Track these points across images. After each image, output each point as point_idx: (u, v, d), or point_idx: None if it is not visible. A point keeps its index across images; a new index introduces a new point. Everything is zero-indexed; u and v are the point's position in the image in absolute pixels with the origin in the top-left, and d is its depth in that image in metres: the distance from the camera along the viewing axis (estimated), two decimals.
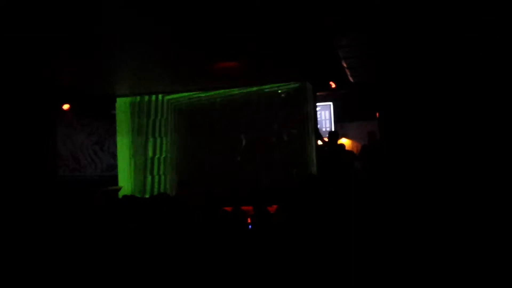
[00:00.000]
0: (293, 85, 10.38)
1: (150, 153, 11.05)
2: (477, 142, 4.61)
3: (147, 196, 10.63)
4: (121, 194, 9.52)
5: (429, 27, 4.91)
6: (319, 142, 10.45)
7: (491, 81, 4.64)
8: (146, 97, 11.03)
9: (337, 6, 5.07)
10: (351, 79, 9.25)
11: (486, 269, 3.28)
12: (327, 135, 10.13)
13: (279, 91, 10.53)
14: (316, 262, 3.68)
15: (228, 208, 6.05)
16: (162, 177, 11.02)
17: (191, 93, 10.87)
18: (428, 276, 3.25)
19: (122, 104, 11.15)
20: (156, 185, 10.99)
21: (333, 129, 12.02)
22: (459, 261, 3.37)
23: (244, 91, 10.63)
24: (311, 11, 5.54)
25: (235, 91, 10.69)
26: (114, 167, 11.34)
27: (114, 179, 10.98)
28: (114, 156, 11.40)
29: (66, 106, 10.17)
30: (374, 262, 3.36)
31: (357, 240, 3.73)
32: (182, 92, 10.82)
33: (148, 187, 11.01)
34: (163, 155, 11.04)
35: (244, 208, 6.05)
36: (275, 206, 6.72)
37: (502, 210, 4.08)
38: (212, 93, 10.77)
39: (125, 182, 10.92)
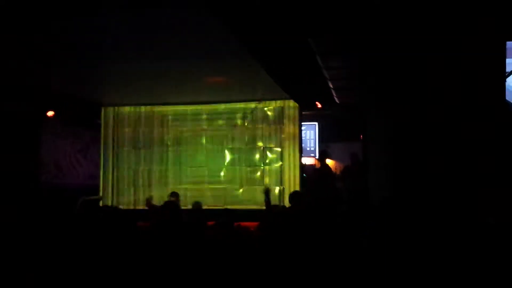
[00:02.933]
0: (279, 103, 10.50)
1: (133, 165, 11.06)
2: (477, 143, 4.69)
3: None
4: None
5: (430, 28, 4.98)
6: (303, 161, 10.56)
7: (491, 83, 4.73)
8: (132, 108, 11.05)
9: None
10: (337, 100, 9.37)
11: (486, 269, 3.32)
12: (318, 154, 10.22)
13: (265, 108, 10.63)
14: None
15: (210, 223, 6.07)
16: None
17: (178, 106, 10.92)
18: (428, 276, 3.27)
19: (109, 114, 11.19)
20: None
21: (317, 149, 12.13)
22: (459, 261, 3.40)
23: (230, 106, 10.74)
24: (299, 32, 5.64)
25: (221, 106, 10.78)
26: (96, 176, 11.25)
27: (96, 188, 10.91)
28: (97, 165, 11.31)
29: (51, 113, 10.07)
30: (373, 267, 3.36)
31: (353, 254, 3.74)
32: (170, 104, 10.86)
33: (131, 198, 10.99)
34: (147, 167, 11.01)
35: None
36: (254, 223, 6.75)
37: (502, 210, 4.15)
38: (199, 107, 10.84)
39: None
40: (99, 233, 4.97)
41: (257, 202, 10.04)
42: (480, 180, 4.74)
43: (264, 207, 8.02)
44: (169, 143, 11.00)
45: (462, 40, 4.97)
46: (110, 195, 10.94)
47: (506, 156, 4.65)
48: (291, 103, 10.34)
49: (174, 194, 8.59)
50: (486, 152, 4.78)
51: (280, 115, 10.55)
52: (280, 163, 10.50)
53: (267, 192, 7.98)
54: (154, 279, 4.25)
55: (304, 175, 10.32)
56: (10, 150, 8.82)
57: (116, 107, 11.09)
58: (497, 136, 4.72)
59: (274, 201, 9.84)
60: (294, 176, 10.26)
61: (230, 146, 10.76)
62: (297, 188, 9.87)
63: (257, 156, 10.64)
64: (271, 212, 7.26)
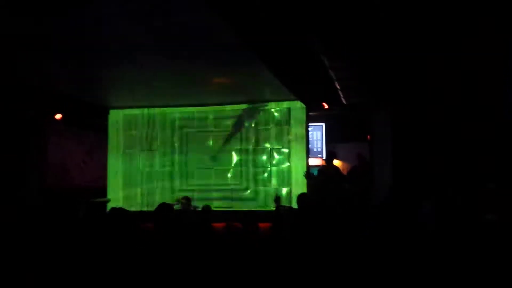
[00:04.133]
0: (286, 104, 10.50)
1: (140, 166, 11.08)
2: (477, 143, 4.64)
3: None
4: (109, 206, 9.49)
5: (430, 28, 4.93)
6: (310, 162, 10.52)
7: (491, 83, 4.68)
8: (138, 110, 11.08)
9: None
10: (343, 100, 9.32)
11: (486, 269, 3.28)
12: (325, 155, 10.16)
13: (272, 110, 10.63)
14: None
15: (219, 225, 6.07)
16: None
17: (185, 108, 10.93)
18: (428, 276, 3.23)
19: (115, 116, 11.22)
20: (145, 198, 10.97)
21: (324, 150, 12.07)
22: (460, 261, 3.37)
23: (237, 107, 10.74)
24: (304, 32, 5.61)
25: (228, 107, 10.78)
26: (102, 178, 11.26)
27: (102, 190, 10.93)
28: (103, 167, 11.33)
29: (58, 116, 10.11)
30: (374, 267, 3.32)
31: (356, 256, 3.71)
32: (176, 106, 10.87)
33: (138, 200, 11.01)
34: (155, 168, 11.03)
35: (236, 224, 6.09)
36: (264, 224, 6.74)
37: (502, 210, 4.10)
38: (205, 108, 10.85)
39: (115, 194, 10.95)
40: (104, 235, 4.97)
41: (264, 203, 10.06)
42: (480, 180, 4.69)
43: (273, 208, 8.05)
44: (176, 144, 11.02)
45: (462, 40, 4.92)
46: (117, 196, 10.96)
47: (506, 156, 4.60)
48: (298, 104, 10.33)
49: (186, 198, 8.61)
50: (486, 152, 4.72)
51: (287, 116, 10.55)
52: (288, 164, 10.49)
53: (277, 200, 7.97)
54: (157, 281, 4.24)
55: (311, 171, 10.24)
56: (17, 152, 8.87)
57: (122, 110, 11.11)
58: (497, 136, 4.66)
59: (282, 203, 9.83)
60: (302, 177, 10.21)
61: (237, 148, 10.77)
62: (305, 189, 9.82)
63: (264, 157, 10.63)
64: (280, 216, 7.27)
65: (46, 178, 9.86)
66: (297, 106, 10.39)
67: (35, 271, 3.82)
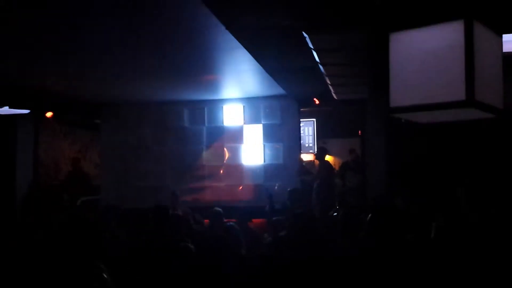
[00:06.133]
0: (277, 99, 10.51)
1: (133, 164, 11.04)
2: (476, 138, 4.67)
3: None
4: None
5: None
6: (303, 157, 10.59)
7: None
8: (130, 107, 11.03)
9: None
10: (335, 96, 9.35)
11: (486, 269, 3.31)
12: (315, 151, 10.24)
13: (263, 105, 10.65)
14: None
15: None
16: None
17: (175, 104, 10.91)
18: (429, 276, 3.26)
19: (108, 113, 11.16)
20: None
21: (315, 145, 12.14)
22: (460, 261, 3.40)
23: (230, 103, 10.75)
24: (295, 28, 5.62)
25: (221, 103, 10.78)
26: (95, 176, 11.23)
27: (96, 188, 10.89)
28: (96, 165, 11.30)
29: (49, 114, 10.03)
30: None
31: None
32: (167, 101, 10.84)
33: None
34: (146, 166, 10.99)
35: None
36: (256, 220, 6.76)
37: (502, 210, 4.15)
38: (198, 103, 10.84)
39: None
40: (97, 233, 4.97)
41: (256, 200, 10.09)
42: (480, 180, 4.74)
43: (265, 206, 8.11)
44: (168, 140, 10.98)
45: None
46: (110, 194, 10.91)
47: (506, 154, 4.65)
48: (289, 99, 10.35)
49: (174, 193, 8.64)
50: (485, 151, 4.78)
51: (278, 111, 10.57)
52: (280, 160, 10.51)
53: (270, 197, 8.02)
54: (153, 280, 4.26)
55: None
56: (8, 151, 8.82)
57: (114, 107, 11.05)
58: (496, 130, 4.71)
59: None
60: (294, 173, 10.26)
61: (229, 144, 10.77)
62: (297, 185, 9.87)
63: (256, 153, 10.65)
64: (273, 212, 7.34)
65: (38, 175, 9.81)
66: (289, 102, 10.41)
67: (29, 268, 3.81)
